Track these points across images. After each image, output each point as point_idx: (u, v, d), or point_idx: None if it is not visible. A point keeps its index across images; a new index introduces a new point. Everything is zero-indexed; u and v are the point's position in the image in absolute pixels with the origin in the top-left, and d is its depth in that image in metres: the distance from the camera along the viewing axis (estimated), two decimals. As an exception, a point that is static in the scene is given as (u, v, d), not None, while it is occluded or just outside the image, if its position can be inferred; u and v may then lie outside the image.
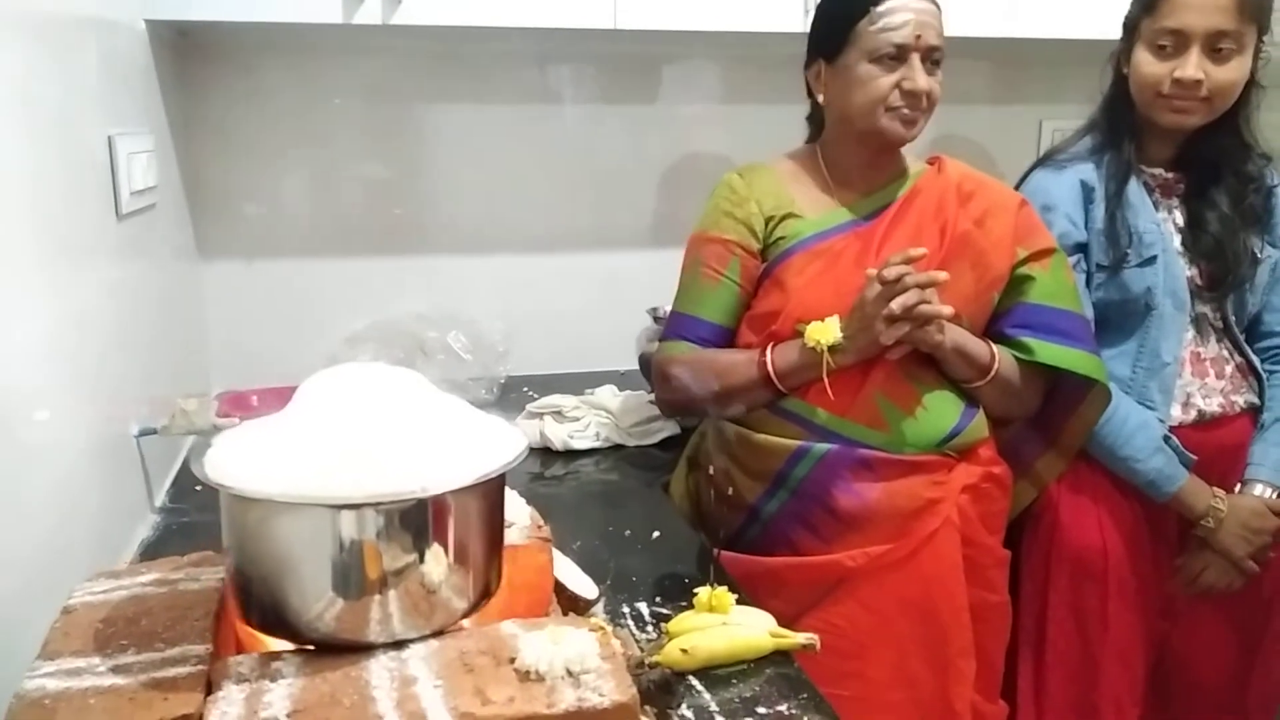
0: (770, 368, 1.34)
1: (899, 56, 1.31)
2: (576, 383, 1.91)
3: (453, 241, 2.07)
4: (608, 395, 1.81)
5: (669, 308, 1.52)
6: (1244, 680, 1.63)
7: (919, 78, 1.31)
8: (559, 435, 1.72)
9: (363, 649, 0.80)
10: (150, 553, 1.28)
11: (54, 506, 1.06)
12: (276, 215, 1.97)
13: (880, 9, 1.31)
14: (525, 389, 1.95)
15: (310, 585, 0.79)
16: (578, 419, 1.75)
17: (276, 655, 0.80)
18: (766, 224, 1.40)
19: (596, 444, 1.74)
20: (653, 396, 1.77)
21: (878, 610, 1.32)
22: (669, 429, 1.77)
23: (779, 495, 1.38)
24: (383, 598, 0.80)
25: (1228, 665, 1.63)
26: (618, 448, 1.75)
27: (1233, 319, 1.56)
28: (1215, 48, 1.43)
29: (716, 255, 1.41)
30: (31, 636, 0.84)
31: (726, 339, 1.43)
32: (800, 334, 1.32)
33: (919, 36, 1.30)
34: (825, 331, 1.29)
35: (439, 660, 0.79)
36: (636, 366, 1.94)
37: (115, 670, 0.78)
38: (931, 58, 1.33)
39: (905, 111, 1.33)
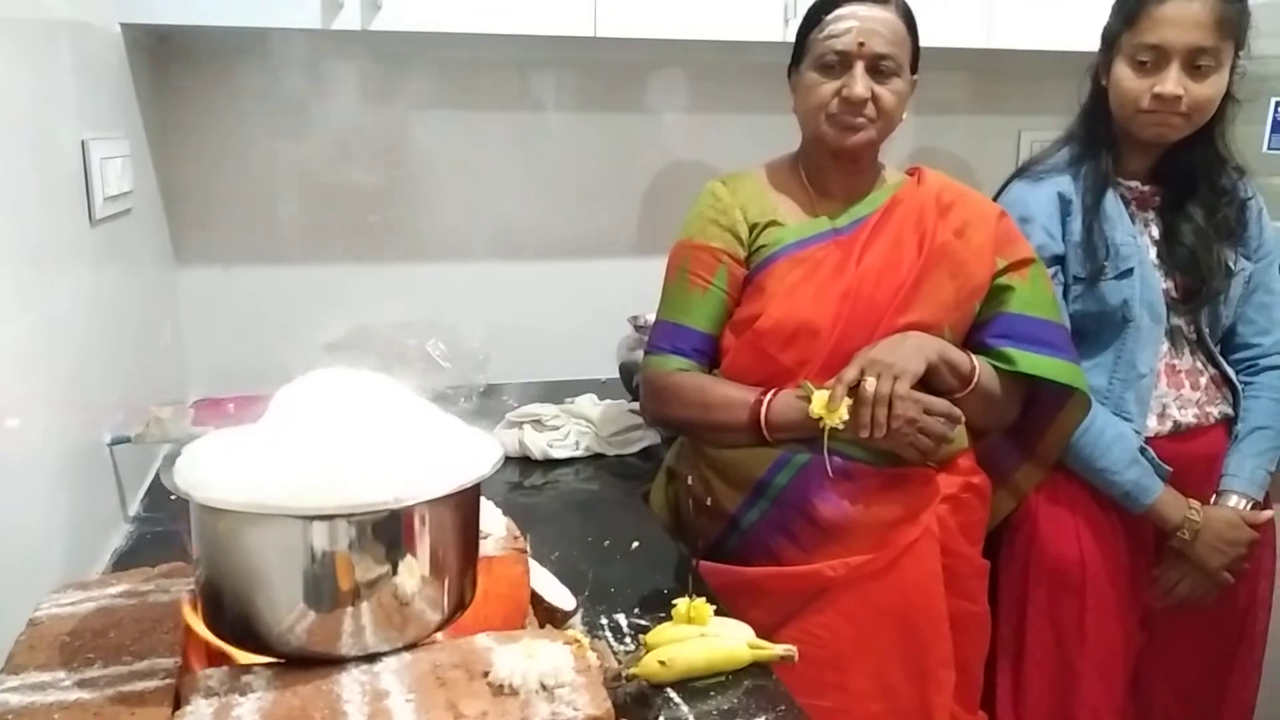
0: (763, 421, 1.33)
1: (843, 64, 1.32)
2: (556, 391, 1.90)
3: (432, 248, 2.06)
4: (588, 404, 1.80)
5: (650, 316, 1.51)
6: (1221, 690, 1.64)
7: (856, 85, 1.31)
8: (538, 444, 1.71)
9: (334, 662, 0.79)
10: (123, 563, 1.26)
11: (23, 515, 1.04)
12: (254, 221, 1.95)
13: (829, 17, 1.33)
14: (505, 397, 1.94)
15: (281, 597, 0.78)
16: (557, 428, 1.75)
17: (246, 668, 0.79)
18: (750, 231, 1.40)
19: (576, 453, 1.73)
20: (633, 405, 1.78)
21: (858, 620, 1.31)
22: (649, 438, 1.77)
23: (759, 504, 1.37)
24: (355, 610, 0.79)
25: (1205, 675, 1.64)
26: (597, 457, 1.74)
27: (1206, 331, 1.57)
28: (1194, 64, 1.44)
29: (704, 263, 1.41)
30: (-4, 650, 0.83)
31: (714, 347, 1.42)
32: (805, 397, 1.30)
33: (862, 44, 1.31)
34: (832, 413, 1.27)
35: (411, 674, 0.78)
36: (617, 375, 1.94)
37: (81, 684, 0.76)
38: (878, 66, 1.32)
39: (844, 118, 1.34)
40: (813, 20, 1.36)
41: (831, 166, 1.41)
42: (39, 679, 0.77)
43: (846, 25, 1.31)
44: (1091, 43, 1.56)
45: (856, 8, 1.32)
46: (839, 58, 1.32)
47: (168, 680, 0.77)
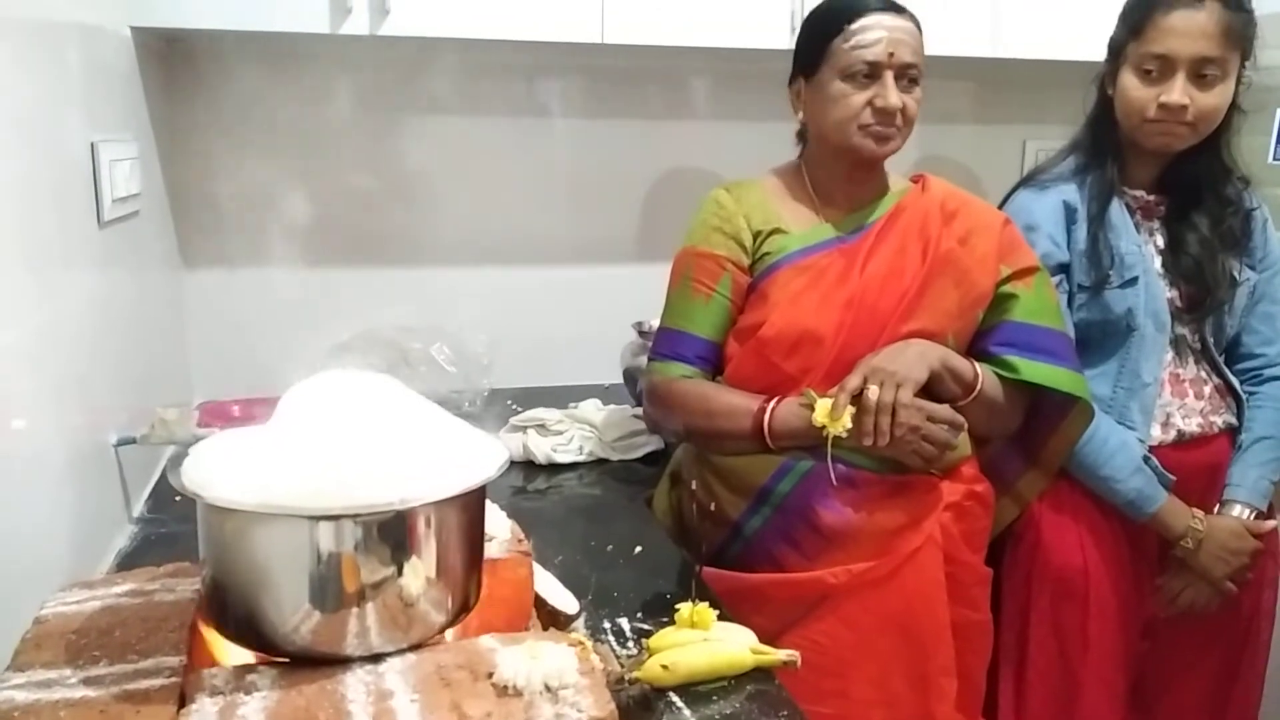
0: (766, 429, 1.33)
1: (872, 74, 1.32)
2: (560, 396, 1.90)
3: (438, 253, 2.06)
4: (592, 409, 1.81)
5: (654, 322, 1.52)
6: (1224, 700, 1.64)
7: (891, 95, 1.31)
8: (542, 449, 1.71)
9: (339, 662, 0.79)
10: (127, 563, 1.26)
11: (29, 515, 1.04)
12: (260, 224, 1.95)
13: (854, 26, 1.32)
14: (509, 402, 1.94)
15: (287, 597, 0.78)
16: (561, 432, 1.75)
17: (251, 668, 0.79)
18: (754, 239, 1.40)
19: (580, 458, 1.73)
20: (636, 411, 1.78)
21: (860, 628, 1.31)
22: (653, 443, 1.77)
23: (762, 511, 1.37)
24: (360, 610, 0.79)
25: (1207, 685, 1.64)
26: (601, 462, 1.74)
27: (1211, 340, 1.57)
28: (1200, 73, 1.44)
29: (708, 271, 1.41)
30: (2, 647, 0.83)
31: (718, 354, 1.42)
32: (808, 405, 1.30)
33: (892, 54, 1.31)
34: (836, 422, 1.27)
35: (416, 674, 0.78)
36: (621, 380, 1.94)
37: (87, 682, 0.77)
38: (907, 75, 1.33)
39: (877, 129, 1.33)
40: (833, 29, 1.33)
41: (845, 175, 1.41)
42: (45, 676, 0.78)
43: (876, 35, 1.31)
44: (1097, 52, 1.57)
45: (881, 17, 1.32)
46: (869, 68, 1.31)
47: (173, 679, 0.77)
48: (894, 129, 1.34)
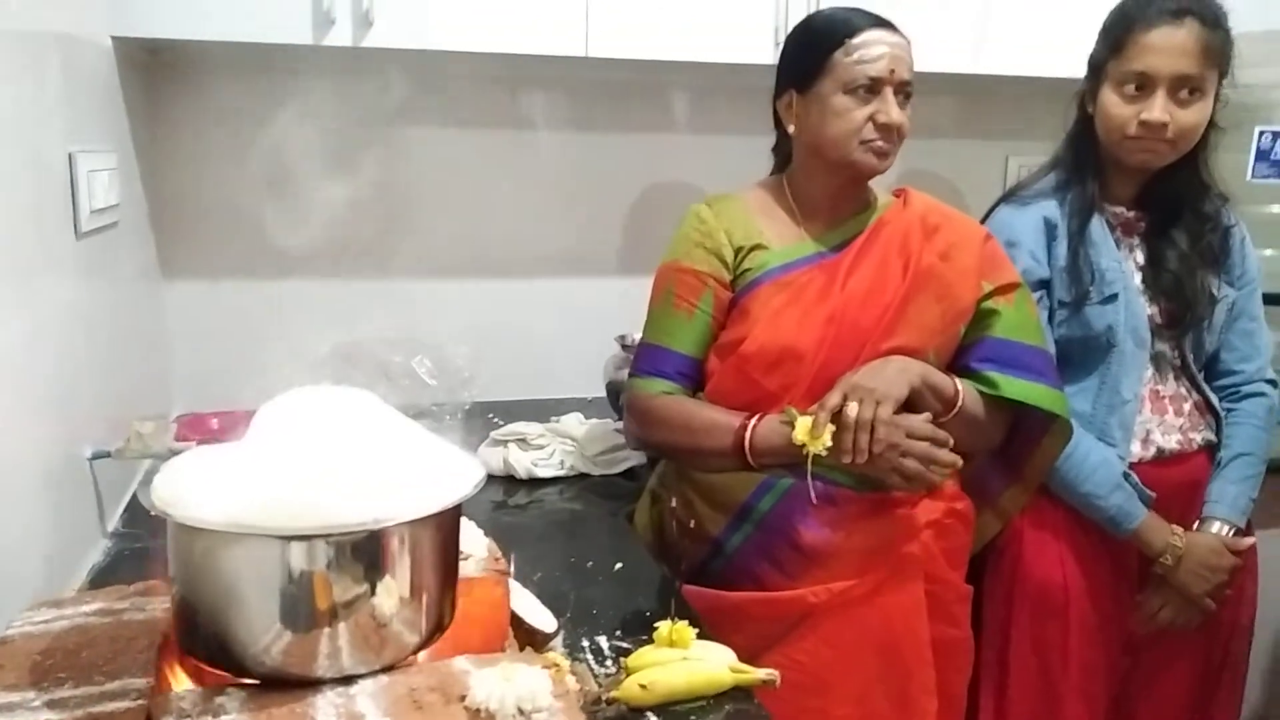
0: (747, 446, 1.32)
1: (873, 89, 1.32)
2: (542, 410, 1.90)
3: (419, 265, 2.06)
4: (573, 423, 1.80)
5: (637, 335, 1.51)
6: (1203, 716, 1.64)
7: (892, 111, 1.32)
8: (523, 463, 1.70)
9: (310, 684, 0.78)
10: (101, 579, 1.25)
11: (0, 530, 1.03)
12: (241, 236, 1.95)
13: (856, 41, 1.32)
14: (490, 415, 1.93)
15: (257, 617, 0.77)
16: (542, 447, 1.74)
17: (220, 690, 0.78)
18: (736, 255, 1.40)
19: (561, 472, 1.72)
20: (618, 425, 1.77)
21: (840, 646, 1.31)
22: (634, 458, 1.76)
23: (743, 528, 1.37)
24: (332, 631, 0.78)
25: (1187, 701, 1.64)
26: (582, 476, 1.73)
27: (1190, 357, 1.58)
28: (1180, 91, 1.45)
29: (689, 286, 1.40)
30: (-34, 668, 0.81)
31: (699, 370, 1.42)
32: (788, 423, 1.29)
33: (893, 70, 1.31)
34: (816, 440, 1.26)
35: (387, 697, 0.77)
36: (603, 394, 1.93)
37: (51, 705, 0.76)
38: (903, 91, 1.34)
39: (879, 144, 1.33)
40: (832, 42, 1.32)
41: (834, 190, 1.41)
42: (7, 699, 0.76)
43: (879, 51, 1.31)
44: (1077, 70, 1.57)
45: (881, 33, 1.32)
46: (871, 82, 1.31)
47: (139, 701, 0.76)
48: (892, 144, 1.34)
